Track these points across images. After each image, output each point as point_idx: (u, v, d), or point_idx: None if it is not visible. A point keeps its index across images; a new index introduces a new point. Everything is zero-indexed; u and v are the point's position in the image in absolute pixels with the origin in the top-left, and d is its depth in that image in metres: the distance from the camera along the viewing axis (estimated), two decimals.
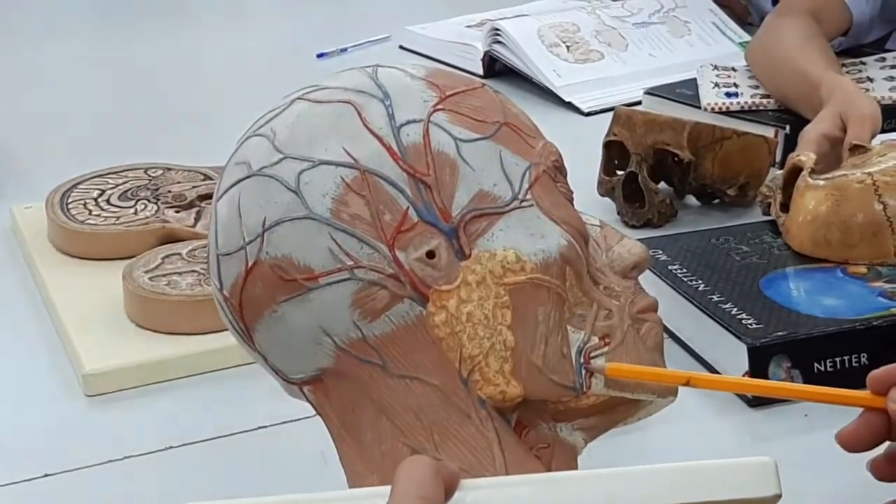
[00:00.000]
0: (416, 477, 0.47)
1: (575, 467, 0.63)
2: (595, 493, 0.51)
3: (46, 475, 0.81)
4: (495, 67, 1.55)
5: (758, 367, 0.84)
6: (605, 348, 0.62)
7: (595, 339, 0.62)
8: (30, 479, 0.80)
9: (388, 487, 0.48)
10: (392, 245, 0.59)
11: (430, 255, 0.60)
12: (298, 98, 0.64)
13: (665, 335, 0.67)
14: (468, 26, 1.67)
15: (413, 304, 0.59)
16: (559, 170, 0.64)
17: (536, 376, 0.60)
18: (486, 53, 1.55)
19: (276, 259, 0.60)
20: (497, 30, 1.54)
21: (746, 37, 1.57)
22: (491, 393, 0.60)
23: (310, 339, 0.60)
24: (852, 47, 1.45)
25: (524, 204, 0.61)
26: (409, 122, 0.61)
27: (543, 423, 0.62)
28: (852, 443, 0.56)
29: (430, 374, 0.59)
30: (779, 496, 0.51)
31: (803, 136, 1.11)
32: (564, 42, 1.54)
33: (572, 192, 0.65)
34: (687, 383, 0.60)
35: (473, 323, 0.59)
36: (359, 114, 0.61)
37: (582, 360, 0.61)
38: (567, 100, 1.45)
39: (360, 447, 0.61)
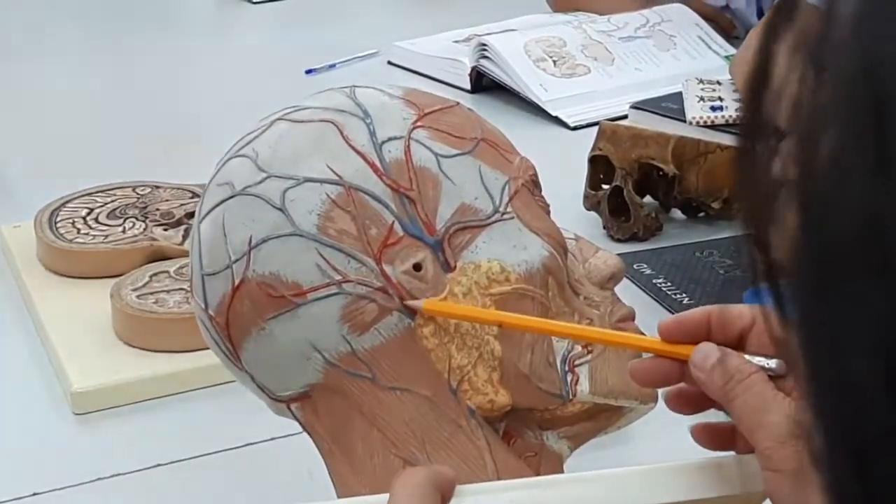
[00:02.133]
0: (413, 489, 0.48)
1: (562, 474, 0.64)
2: (590, 494, 0.51)
3: (35, 494, 0.81)
4: (482, 82, 1.56)
5: None
6: (588, 356, 0.63)
7: (578, 348, 0.63)
8: (18, 499, 0.81)
9: (385, 496, 0.49)
10: (379, 259, 0.60)
11: (417, 267, 0.61)
12: (279, 119, 0.65)
13: None
14: (455, 41, 1.68)
15: (402, 317, 0.60)
16: (536, 184, 0.66)
17: (524, 384, 0.61)
18: (473, 68, 1.56)
19: (264, 276, 0.60)
20: (484, 45, 1.55)
21: (732, 50, 1.58)
22: (480, 402, 0.61)
23: (298, 355, 0.61)
24: None
25: (505, 217, 0.63)
26: (390, 139, 0.62)
27: (530, 431, 0.63)
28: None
29: (419, 386, 0.60)
30: None
31: None
32: (551, 56, 1.55)
33: (548, 206, 0.66)
34: (500, 325, 0.60)
35: (461, 333, 0.60)
36: (340, 132, 0.62)
37: (566, 367, 0.62)
38: (554, 114, 1.46)
39: (352, 461, 0.61)
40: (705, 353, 0.52)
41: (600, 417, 0.65)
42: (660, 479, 0.52)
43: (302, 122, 0.64)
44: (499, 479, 0.60)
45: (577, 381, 0.62)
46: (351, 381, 0.61)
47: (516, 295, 0.61)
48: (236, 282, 0.61)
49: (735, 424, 0.53)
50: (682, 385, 0.55)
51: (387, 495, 0.49)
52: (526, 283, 0.62)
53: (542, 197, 0.66)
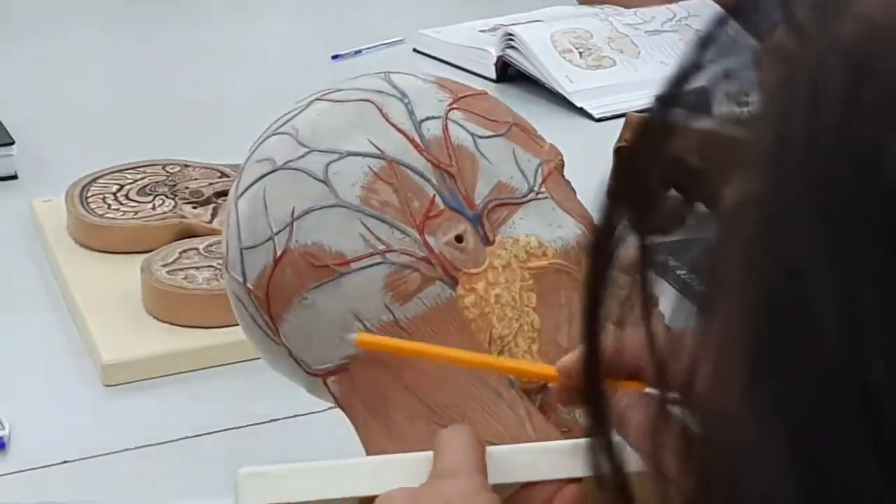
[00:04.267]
0: (466, 445, 0.50)
1: None
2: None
3: (65, 461, 0.83)
4: (508, 72, 1.57)
5: None
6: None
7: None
8: (48, 466, 0.82)
9: (429, 454, 0.50)
10: (422, 230, 0.62)
11: (459, 239, 0.62)
12: (317, 99, 0.66)
13: None
14: (481, 31, 1.69)
15: (444, 287, 0.62)
16: (564, 168, 0.68)
17: (562, 356, 0.62)
18: (498, 58, 1.57)
19: (307, 246, 0.62)
20: (510, 35, 1.56)
21: None
22: None
23: (339, 325, 0.62)
24: None
25: (539, 196, 0.65)
26: (428, 118, 0.64)
27: (564, 407, 0.64)
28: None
29: None
30: None
31: None
32: (577, 48, 1.56)
33: (575, 191, 0.68)
34: (422, 356, 0.60)
35: (502, 304, 0.62)
36: (380, 110, 0.64)
37: None
38: (579, 105, 1.47)
39: (390, 431, 0.62)
40: None
41: None
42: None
43: (340, 101, 0.65)
44: None
45: None
46: None
47: (553, 270, 0.63)
48: (278, 253, 0.62)
49: None
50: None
51: (429, 453, 0.50)
52: (562, 258, 0.64)
53: (569, 182, 0.68)
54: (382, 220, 0.61)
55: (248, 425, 0.87)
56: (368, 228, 0.61)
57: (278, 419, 0.87)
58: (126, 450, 0.84)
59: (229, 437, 0.86)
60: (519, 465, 0.52)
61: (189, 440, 0.85)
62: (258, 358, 0.89)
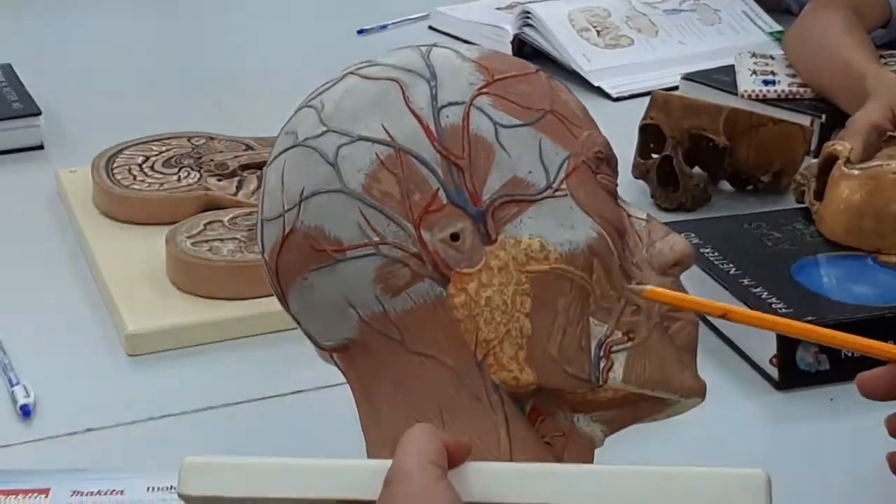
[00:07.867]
0: (421, 443, 0.49)
1: (589, 459, 0.63)
2: (582, 489, 0.51)
3: (88, 430, 0.83)
4: (524, 50, 1.56)
5: (786, 352, 0.86)
6: (628, 343, 0.61)
7: (618, 334, 0.61)
8: (72, 433, 0.83)
9: (386, 463, 0.50)
10: (418, 224, 0.60)
11: (455, 237, 0.60)
12: (350, 73, 0.65)
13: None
14: (498, 8, 1.68)
15: (433, 285, 0.60)
16: (603, 161, 0.63)
17: (550, 366, 0.60)
18: (515, 36, 1.56)
19: (310, 229, 0.61)
20: (527, 13, 1.55)
21: (777, 26, 1.58)
22: (504, 378, 0.60)
23: (336, 309, 0.61)
24: (892, 40, 1.46)
25: (558, 193, 0.61)
26: (450, 104, 0.61)
27: (561, 412, 0.63)
28: (870, 387, 0.57)
29: (445, 354, 0.60)
30: None
31: (853, 123, 1.10)
32: (595, 27, 1.55)
33: (615, 184, 0.64)
34: (724, 315, 0.59)
35: (491, 308, 0.60)
36: (403, 92, 0.62)
37: (602, 353, 0.61)
38: (596, 84, 1.46)
39: (377, 416, 0.62)
40: None
41: (639, 406, 0.64)
42: (653, 483, 0.50)
43: (370, 78, 0.63)
44: (511, 456, 0.60)
45: (611, 367, 0.61)
46: (382, 341, 0.61)
47: (554, 275, 0.60)
48: (286, 230, 0.62)
49: None
50: (882, 370, 0.56)
51: (386, 462, 0.50)
52: (566, 263, 0.60)
53: (610, 175, 0.64)
54: (380, 211, 0.60)
55: (271, 396, 0.87)
56: (366, 218, 0.60)
57: (302, 391, 0.88)
58: (150, 419, 0.85)
59: (252, 408, 0.87)
60: (494, 484, 0.51)
61: (212, 410, 0.86)
62: (281, 329, 0.90)
